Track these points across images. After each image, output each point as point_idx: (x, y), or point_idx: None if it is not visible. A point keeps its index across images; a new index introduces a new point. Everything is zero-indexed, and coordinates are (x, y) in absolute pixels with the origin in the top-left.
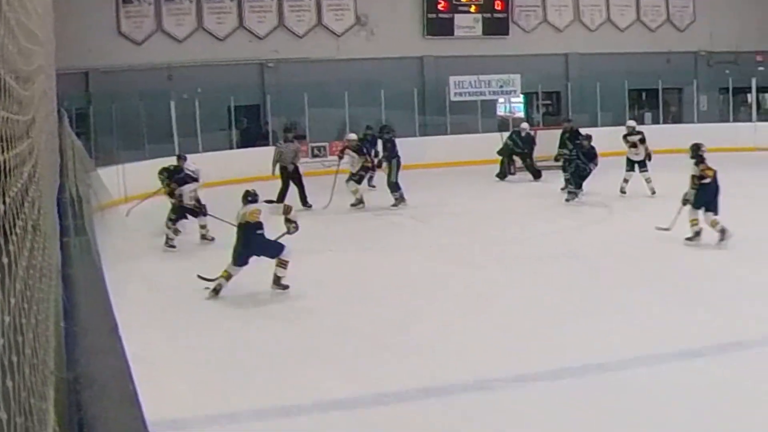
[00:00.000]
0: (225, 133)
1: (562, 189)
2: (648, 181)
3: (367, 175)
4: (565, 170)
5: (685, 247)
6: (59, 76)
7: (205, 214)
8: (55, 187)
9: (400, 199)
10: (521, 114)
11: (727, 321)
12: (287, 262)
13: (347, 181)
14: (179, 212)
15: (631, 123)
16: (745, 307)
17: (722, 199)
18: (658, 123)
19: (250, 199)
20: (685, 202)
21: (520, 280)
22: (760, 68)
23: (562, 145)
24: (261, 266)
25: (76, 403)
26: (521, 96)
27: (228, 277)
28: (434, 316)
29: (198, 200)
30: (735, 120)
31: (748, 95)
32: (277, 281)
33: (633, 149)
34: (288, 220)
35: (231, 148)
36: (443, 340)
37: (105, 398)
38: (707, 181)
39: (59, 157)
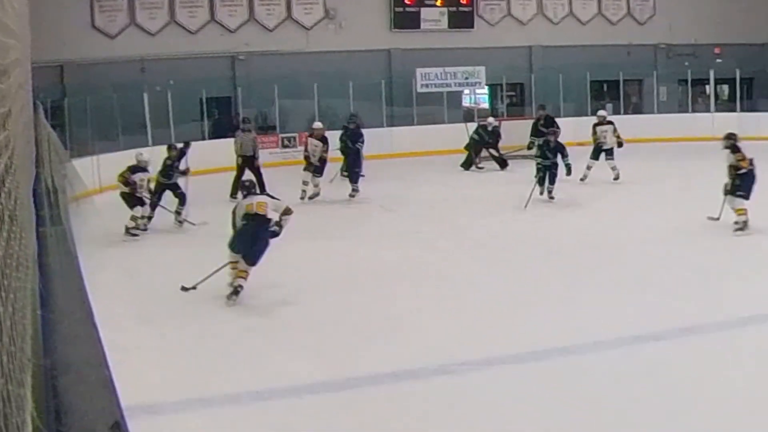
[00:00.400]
0: (197, 124)
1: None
2: (614, 168)
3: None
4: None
5: (647, 234)
6: (35, 69)
7: (152, 207)
8: (31, 177)
9: (354, 192)
10: (486, 105)
11: (684, 306)
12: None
13: (304, 169)
14: (132, 201)
15: (602, 113)
16: (700, 293)
17: (685, 189)
18: (618, 113)
19: (253, 190)
20: (726, 192)
21: (488, 267)
22: (718, 60)
23: (534, 133)
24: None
25: (53, 389)
26: (486, 87)
27: (242, 271)
28: (404, 302)
29: (149, 190)
30: (693, 110)
31: (706, 86)
32: (238, 292)
33: (603, 138)
34: (278, 223)
35: (203, 138)
36: (413, 326)
37: (81, 384)
38: (743, 171)
39: (35, 148)
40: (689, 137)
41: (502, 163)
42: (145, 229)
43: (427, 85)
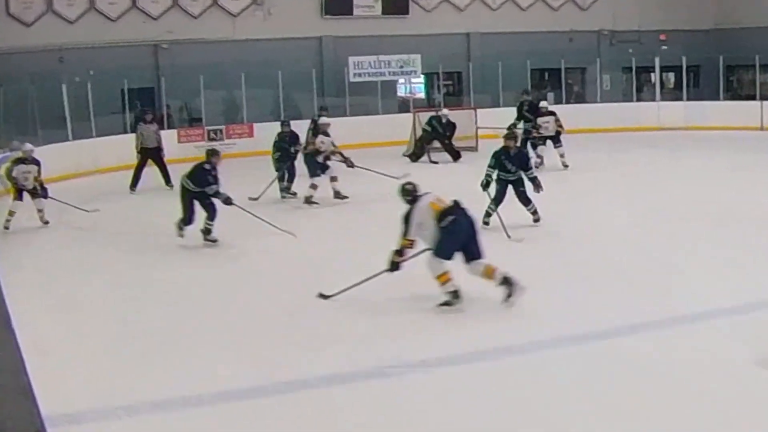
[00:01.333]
0: (118, 117)
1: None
2: (562, 155)
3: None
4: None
5: (599, 225)
6: None
7: (44, 197)
8: None
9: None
10: (422, 95)
11: (644, 299)
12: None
13: (313, 175)
14: (16, 194)
15: (544, 103)
16: (661, 285)
17: (629, 179)
18: (560, 103)
19: (417, 192)
20: None
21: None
22: (663, 47)
23: (520, 117)
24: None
25: None
26: (422, 76)
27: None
28: (340, 302)
29: (41, 183)
30: (638, 99)
31: (652, 74)
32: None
33: (545, 126)
34: None
35: (125, 132)
36: (348, 328)
37: None
38: None
39: None
40: (634, 127)
41: (456, 154)
42: (47, 223)
43: (360, 74)
